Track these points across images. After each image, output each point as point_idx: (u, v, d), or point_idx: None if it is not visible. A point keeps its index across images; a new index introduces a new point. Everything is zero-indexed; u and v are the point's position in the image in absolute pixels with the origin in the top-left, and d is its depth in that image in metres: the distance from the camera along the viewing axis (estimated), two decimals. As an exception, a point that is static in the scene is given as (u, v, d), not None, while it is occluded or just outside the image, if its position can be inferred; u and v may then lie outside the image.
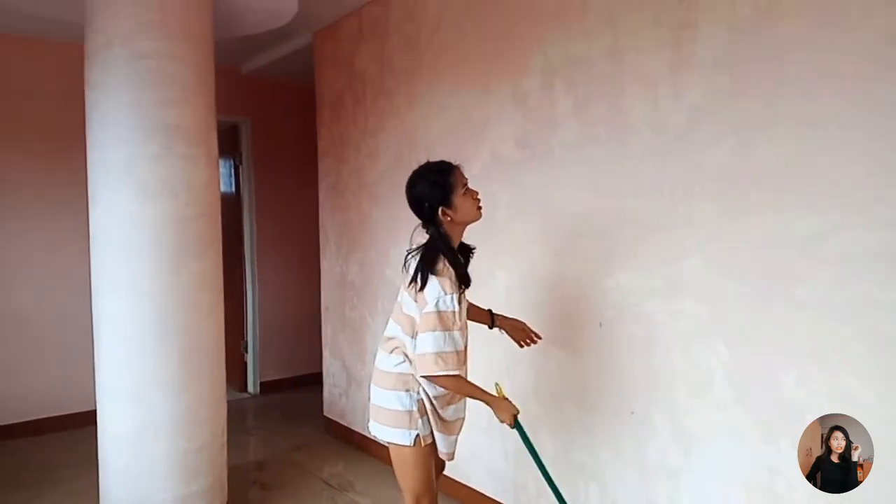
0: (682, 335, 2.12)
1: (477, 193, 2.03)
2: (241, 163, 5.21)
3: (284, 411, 4.74)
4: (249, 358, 5.25)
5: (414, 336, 1.97)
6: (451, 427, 2.08)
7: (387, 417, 2.02)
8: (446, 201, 1.95)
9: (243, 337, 5.26)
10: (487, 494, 2.95)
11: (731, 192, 1.96)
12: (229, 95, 4.70)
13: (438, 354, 1.87)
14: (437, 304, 1.88)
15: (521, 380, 2.75)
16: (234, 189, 5.32)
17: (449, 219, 1.97)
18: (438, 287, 1.90)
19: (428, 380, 1.94)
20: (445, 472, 3.14)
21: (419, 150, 3.29)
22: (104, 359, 2.76)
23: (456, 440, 2.12)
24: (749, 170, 1.91)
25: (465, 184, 2.00)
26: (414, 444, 1.99)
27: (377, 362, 2.09)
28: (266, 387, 5.23)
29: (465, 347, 2.03)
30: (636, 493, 2.28)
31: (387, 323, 2.13)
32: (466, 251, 2.11)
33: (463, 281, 1.98)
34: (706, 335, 2.05)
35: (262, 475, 3.55)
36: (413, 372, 1.99)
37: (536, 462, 2.10)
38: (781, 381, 1.86)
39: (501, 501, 2.87)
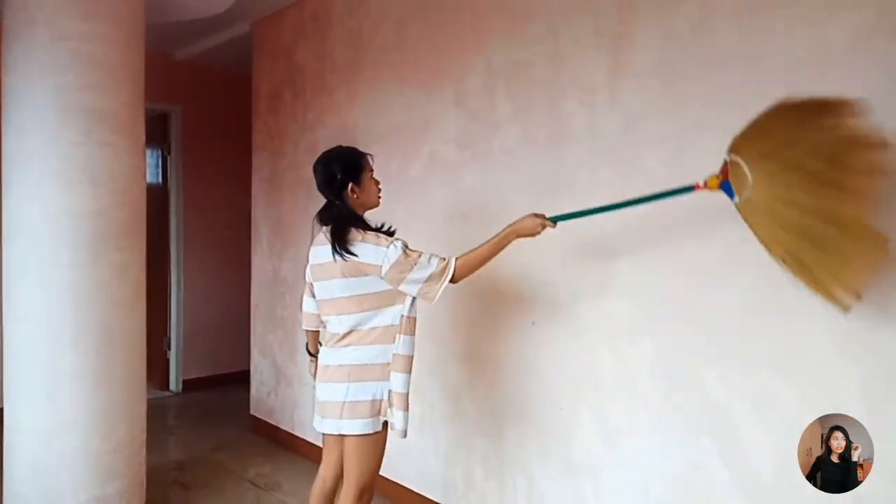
0: (611, 334, 2.19)
1: (379, 183, 2.15)
2: (169, 153, 5.02)
3: (208, 410, 4.59)
4: (172, 355, 5.05)
5: (382, 307, 2.00)
6: (408, 401, 2.06)
7: (352, 410, 2.00)
8: (356, 179, 2.06)
9: (166, 333, 5.05)
10: (416, 491, 2.95)
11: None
12: (161, 82, 4.52)
13: (432, 276, 1.93)
14: (389, 256, 1.93)
15: (454, 375, 2.77)
16: (161, 180, 5.11)
17: (356, 196, 2.06)
18: (374, 246, 1.95)
19: (447, 284, 1.95)
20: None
21: (360, 147, 3.26)
22: (13, 351, 2.60)
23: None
24: (679, 177, 1.99)
25: (373, 170, 2.14)
26: (381, 430, 2.03)
27: (331, 361, 2.06)
28: (189, 385, 5.05)
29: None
30: (562, 486, 2.34)
31: (324, 316, 2.13)
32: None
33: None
34: (634, 334, 2.13)
35: (184, 475, 3.42)
36: (380, 361, 2.01)
37: (603, 209, 1.97)
38: (704, 379, 1.95)
39: (430, 498, 2.88)
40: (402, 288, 1.96)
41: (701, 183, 1.74)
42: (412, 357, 2.04)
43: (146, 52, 2.85)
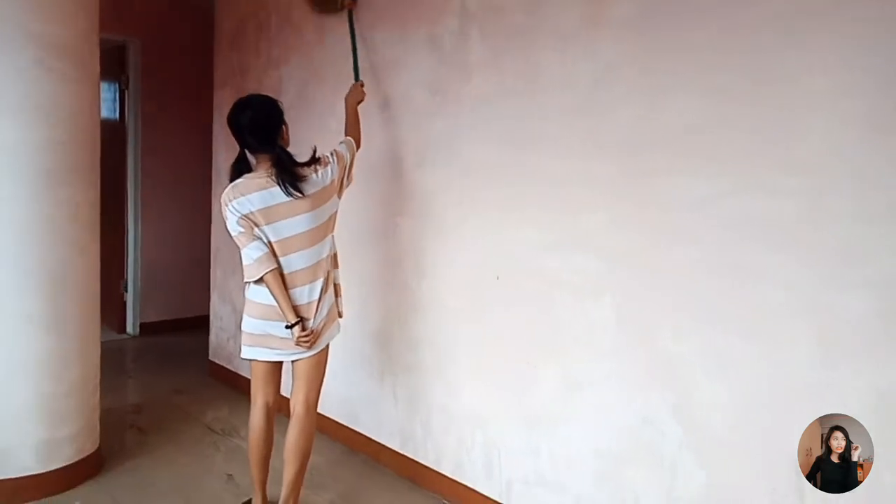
0: (574, 289, 2.18)
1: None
2: (126, 87, 4.79)
3: (166, 354, 4.53)
4: (129, 298, 4.95)
5: (330, 233, 2.35)
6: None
7: (328, 325, 2.33)
8: (285, 122, 2.31)
9: (123, 276, 4.93)
10: (374, 438, 2.97)
11: (633, 153, 2.01)
12: (117, 11, 4.27)
13: (353, 159, 2.47)
14: (334, 168, 2.33)
15: (416, 328, 2.76)
16: (117, 115, 4.89)
17: (285, 138, 2.32)
18: (323, 169, 2.29)
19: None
20: (334, 417, 3.14)
21: (325, 87, 3.14)
22: (-43, 290, 2.48)
23: None
24: (651, 132, 1.97)
25: None
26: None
27: (308, 296, 2.25)
28: (147, 328, 4.97)
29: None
30: (518, 439, 2.37)
31: (282, 257, 2.22)
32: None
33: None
34: (596, 290, 2.12)
35: (140, 418, 3.38)
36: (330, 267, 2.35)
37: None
38: (659, 335, 1.96)
39: (388, 445, 2.90)
40: (346, 182, 2.40)
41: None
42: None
43: (103, -23, 2.67)
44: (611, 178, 2.07)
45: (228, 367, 3.97)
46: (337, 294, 2.40)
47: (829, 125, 1.62)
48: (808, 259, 1.66)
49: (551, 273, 2.25)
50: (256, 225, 2.18)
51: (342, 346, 3.08)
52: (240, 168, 2.24)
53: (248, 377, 3.74)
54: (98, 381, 2.81)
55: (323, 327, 2.28)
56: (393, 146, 2.82)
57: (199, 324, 4.47)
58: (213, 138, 4.07)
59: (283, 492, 2.29)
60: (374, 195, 2.91)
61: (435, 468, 2.69)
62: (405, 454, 2.82)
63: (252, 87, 3.64)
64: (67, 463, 2.61)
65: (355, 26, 2.87)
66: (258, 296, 2.23)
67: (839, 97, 1.61)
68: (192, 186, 4.84)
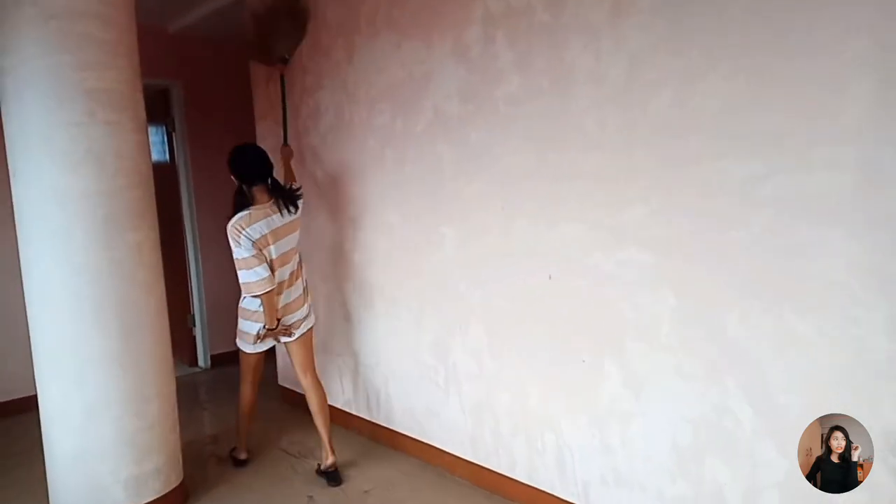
0: (628, 283, 2.15)
1: None
2: (173, 129, 4.98)
3: (237, 383, 4.64)
4: (198, 332, 5.13)
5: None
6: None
7: (308, 317, 3.07)
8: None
9: (189, 311, 5.11)
10: (446, 450, 2.99)
11: (671, 141, 1.98)
12: (156, 57, 4.45)
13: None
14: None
15: (474, 334, 2.77)
16: (167, 157, 5.09)
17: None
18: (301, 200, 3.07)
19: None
20: (403, 431, 3.18)
21: (361, 108, 3.20)
22: (39, 338, 2.63)
23: None
24: (687, 118, 1.93)
25: None
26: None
27: (286, 298, 2.94)
28: (217, 360, 5.13)
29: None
30: (590, 437, 2.35)
31: (279, 269, 2.86)
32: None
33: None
34: (651, 282, 2.09)
35: (218, 448, 3.50)
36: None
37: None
38: (725, 322, 1.92)
39: (461, 456, 2.92)
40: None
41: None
42: None
43: (139, 27, 2.79)
44: (650, 167, 2.04)
45: (297, 390, 4.06)
46: (308, 293, 3.09)
47: (871, 90, 1.56)
48: (862, 230, 1.60)
49: (604, 268, 2.22)
50: (265, 246, 2.79)
51: (404, 355, 3.13)
52: (241, 200, 2.84)
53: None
54: (176, 414, 2.93)
55: (305, 318, 3.01)
56: (430, 158, 2.84)
57: (268, 351, 4.58)
58: (260, 170, 4.18)
59: (326, 435, 3.00)
60: (413, 205, 2.94)
61: (509, 475, 2.69)
62: (478, 463, 2.83)
63: (290, 116, 3.74)
64: (156, 496, 2.72)
65: (286, 89, 3.43)
66: (254, 304, 2.86)
67: (879, 60, 1.54)
68: (244, 218, 4.98)
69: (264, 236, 2.79)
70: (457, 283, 2.81)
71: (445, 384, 2.95)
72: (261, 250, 2.78)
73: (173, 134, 4.98)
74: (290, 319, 2.96)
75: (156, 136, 5.11)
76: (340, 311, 3.56)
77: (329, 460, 3.00)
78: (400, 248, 3.07)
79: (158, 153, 5.10)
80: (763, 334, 1.84)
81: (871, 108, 1.57)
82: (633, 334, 2.17)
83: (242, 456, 3.25)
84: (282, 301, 2.90)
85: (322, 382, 3.15)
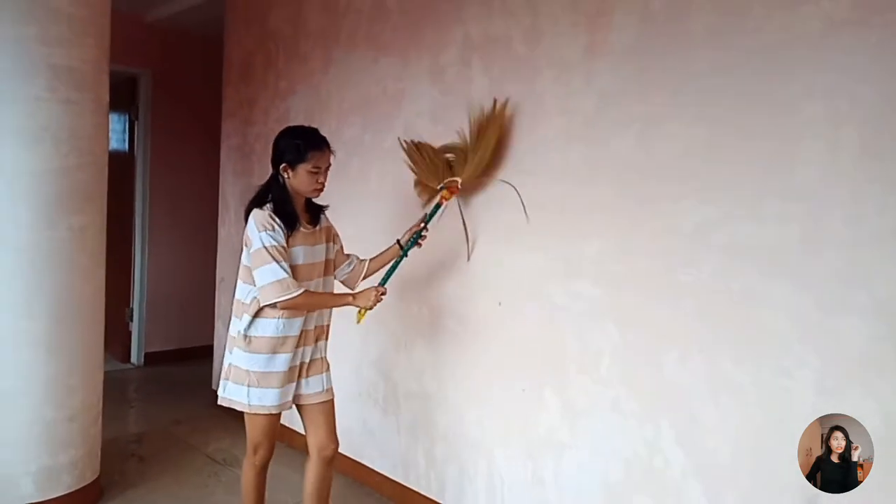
0: (575, 315, 2.18)
1: (322, 179, 2.13)
2: (137, 118, 4.87)
3: (170, 384, 4.50)
4: (134, 327, 4.95)
5: (248, 282, 2.09)
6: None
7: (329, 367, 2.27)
8: (292, 163, 2.08)
9: (128, 304, 4.94)
10: (378, 470, 2.93)
11: (631, 180, 2.03)
12: (129, 44, 4.37)
13: (279, 282, 1.98)
14: (261, 241, 2.00)
15: (419, 353, 2.74)
16: (127, 145, 4.96)
17: (287, 177, 2.10)
18: (254, 224, 2.03)
19: (275, 307, 2.03)
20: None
21: (331, 117, 3.19)
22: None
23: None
24: (649, 159, 1.99)
25: (320, 167, 2.10)
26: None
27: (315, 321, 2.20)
28: (151, 358, 4.95)
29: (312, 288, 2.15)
30: (522, 468, 2.33)
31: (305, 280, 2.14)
32: (315, 206, 2.23)
33: (288, 223, 2.07)
34: (598, 316, 2.11)
35: (141, 448, 3.35)
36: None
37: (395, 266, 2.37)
38: (664, 361, 1.95)
39: (391, 477, 2.86)
40: (254, 275, 2.03)
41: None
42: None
43: (115, 12, 2.75)
44: (610, 203, 2.08)
45: (231, 396, 3.94)
46: (327, 337, 2.28)
47: (823, 152, 1.64)
48: (807, 284, 1.66)
49: (555, 299, 2.24)
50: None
51: (347, 370, 3.08)
52: (281, 196, 2.11)
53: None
54: (100, 409, 2.80)
55: (328, 368, 2.26)
56: (394, 176, 2.84)
57: (204, 354, 4.45)
58: (220, 169, 4.12)
59: None
60: (371, 219, 2.93)
61: (438, 500, 2.65)
62: (408, 485, 2.78)
63: (260, 119, 3.71)
64: (67, 491, 2.58)
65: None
66: (270, 327, 2.05)
67: (832, 125, 1.62)
68: (198, 217, 4.88)
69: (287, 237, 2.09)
70: (408, 301, 2.79)
71: (384, 402, 2.91)
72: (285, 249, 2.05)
73: (136, 122, 4.87)
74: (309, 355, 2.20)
75: (118, 123, 4.99)
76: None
77: None
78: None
79: (118, 141, 4.98)
80: (699, 377, 1.87)
81: (821, 168, 1.64)
82: (575, 366, 2.18)
83: None
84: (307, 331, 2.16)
85: None
